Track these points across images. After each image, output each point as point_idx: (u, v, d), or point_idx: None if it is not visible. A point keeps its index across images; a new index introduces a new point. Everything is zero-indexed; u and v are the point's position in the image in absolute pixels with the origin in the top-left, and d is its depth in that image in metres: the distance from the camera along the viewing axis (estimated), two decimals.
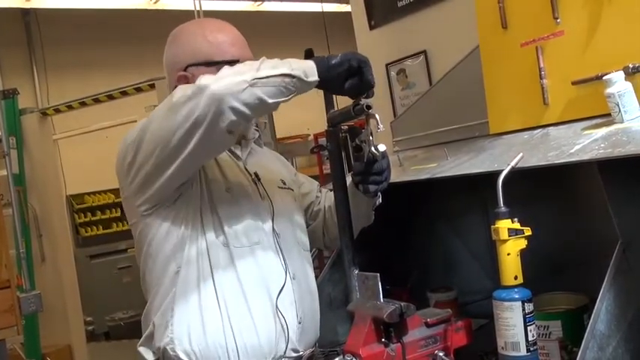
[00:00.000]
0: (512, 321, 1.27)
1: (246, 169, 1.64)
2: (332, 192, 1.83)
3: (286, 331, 1.53)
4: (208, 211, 1.52)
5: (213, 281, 1.49)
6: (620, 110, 1.33)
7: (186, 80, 1.58)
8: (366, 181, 1.56)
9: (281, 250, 1.58)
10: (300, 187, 1.82)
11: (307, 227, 1.78)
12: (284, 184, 1.72)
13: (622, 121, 1.33)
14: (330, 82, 1.44)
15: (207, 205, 1.52)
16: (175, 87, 1.57)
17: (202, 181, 1.53)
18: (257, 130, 1.73)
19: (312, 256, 1.75)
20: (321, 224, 1.84)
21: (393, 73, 2.97)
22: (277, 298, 1.53)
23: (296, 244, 1.65)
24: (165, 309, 1.50)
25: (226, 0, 7.54)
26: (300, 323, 1.57)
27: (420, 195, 1.98)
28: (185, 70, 1.60)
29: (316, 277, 1.91)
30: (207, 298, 1.49)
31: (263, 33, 8.38)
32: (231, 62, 1.55)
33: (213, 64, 1.56)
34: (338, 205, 1.61)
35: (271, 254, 1.56)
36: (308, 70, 1.40)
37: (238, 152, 1.66)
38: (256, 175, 1.63)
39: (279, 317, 1.52)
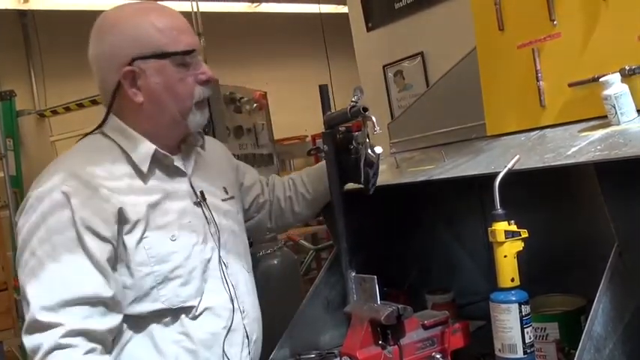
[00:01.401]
0: (509, 323, 1.27)
1: (192, 187, 1.50)
2: (280, 181, 1.83)
3: None
4: (150, 275, 1.38)
5: (153, 342, 1.40)
6: (616, 112, 1.33)
7: (133, 76, 1.39)
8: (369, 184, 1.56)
9: (229, 284, 1.49)
10: (243, 180, 1.75)
11: (252, 219, 1.73)
12: (227, 193, 1.61)
13: (619, 123, 1.33)
14: None
15: (149, 267, 1.38)
16: (118, 83, 1.40)
17: (138, 250, 1.38)
18: (200, 136, 1.56)
19: (309, 257, 1.75)
20: (267, 215, 1.79)
21: (390, 75, 2.97)
22: (224, 343, 1.45)
23: (241, 269, 1.57)
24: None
25: (223, 1, 7.54)
26: (249, 353, 1.52)
27: (417, 197, 1.98)
28: (131, 64, 1.38)
29: (313, 279, 1.92)
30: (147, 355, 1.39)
31: (260, 34, 8.39)
32: (186, 53, 1.41)
33: (166, 56, 1.39)
34: (335, 205, 1.61)
35: (219, 297, 1.47)
36: None
37: (181, 166, 1.50)
38: (202, 194, 1.50)
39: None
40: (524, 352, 1.27)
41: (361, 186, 1.55)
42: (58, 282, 1.28)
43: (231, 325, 1.46)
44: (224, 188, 1.61)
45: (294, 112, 7.46)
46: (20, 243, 1.34)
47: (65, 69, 7.21)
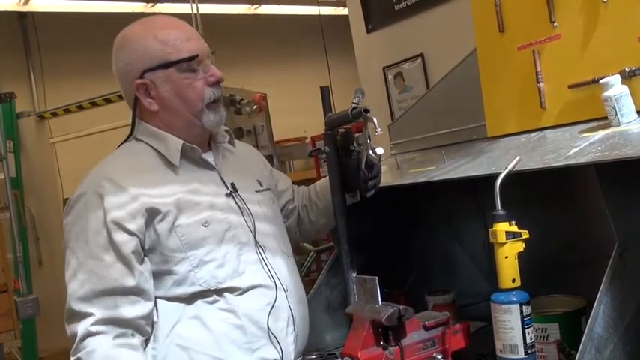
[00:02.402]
0: (510, 323, 1.28)
1: (222, 180, 1.57)
2: (301, 190, 1.85)
3: (279, 350, 1.51)
4: (186, 260, 1.46)
5: (201, 320, 1.45)
6: (616, 113, 1.33)
7: (146, 88, 1.51)
8: (367, 185, 1.56)
9: (269, 265, 1.54)
10: (277, 185, 1.80)
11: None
12: (261, 185, 1.67)
13: (619, 125, 1.33)
14: None
15: (183, 253, 1.45)
16: (135, 97, 1.53)
17: (172, 234, 1.46)
18: (228, 133, 1.66)
19: (309, 260, 1.76)
20: (295, 222, 1.83)
21: (390, 77, 2.97)
22: (268, 320, 1.49)
23: (280, 253, 1.61)
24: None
25: (223, 4, 7.54)
26: (295, 338, 1.55)
27: (417, 198, 1.98)
28: (142, 77, 1.51)
29: (314, 280, 1.92)
30: (188, 335, 1.44)
31: (260, 36, 8.39)
32: (190, 59, 1.49)
33: (171, 65, 1.49)
34: (336, 207, 1.61)
35: (259, 275, 1.52)
36: None
37: (211, 160, 1.59)
38: (233, 186, 1.56)
39: (271, 340, 1.49)
40: (525, 353, 1.28)
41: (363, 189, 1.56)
42: (90, 275, 1.41)
43: (274, 302, 1.51)
44: (258, 181, 1.67)
45: (294, 113, 7.45)
46: (64, 241, 1.48)
47: (65, 71, 7.22)
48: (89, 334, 1.37)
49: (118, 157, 1.57)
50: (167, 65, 1.49)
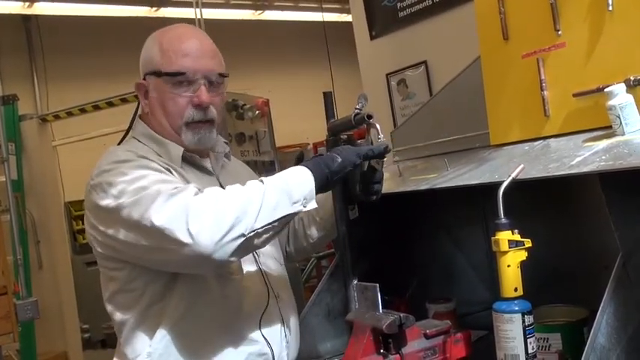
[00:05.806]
0: (512, 333, 1.27)
1: (221, 186, 1.57)
2: None
3: (272, 354, 1.51)
4: None
5: (191, 316, 1.44)
6: (621, 122, 1.33)
7: (145, 90, 1.56)
8: (370, 190, 1.55)
9: (262, 270, 1.56)
10: None
11: None
12: None
13: (623, 134, 1.32)
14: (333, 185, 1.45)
15: None
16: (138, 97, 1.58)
17: None
18: (227, 144, 1.69)
19: (310, 266, 1.75)
20: (286, 237, 1.82)
21: (393, 83, 2.97)
22: (260, 324, 1.50)
23: (275, 261, 1.63)
24: (138, 343, 1.48)
25: (227, 9, 7.56)
26: (287, 343, 1.56)
27: (419, 205, 1.97)
28: (144, 78, 1.56)
29: (315, 286, 1.91)
30: (184, 334, 1.44)
31: (264, 42, 8.41)
32: (175, 74, 1.50)
33: (162, 75, 1.52)
34: (337, 213, 1.60)
35: (253, 278, 1.53)
36: (308, 196, 1.35)
37: (208, 166, 1.62)
38: None
39: (264, 342, 1.50)
40: None
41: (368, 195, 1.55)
42: (157, 177, 1.38)
43: (266, 307, 1.52)
44: None
45: (296, 119, 7.47)
46: (112, 197, 1.36)
47: (68, 74, 7.24)
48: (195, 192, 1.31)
49: (126, 146, 1.57)
50: (158, 74, 1.53)
